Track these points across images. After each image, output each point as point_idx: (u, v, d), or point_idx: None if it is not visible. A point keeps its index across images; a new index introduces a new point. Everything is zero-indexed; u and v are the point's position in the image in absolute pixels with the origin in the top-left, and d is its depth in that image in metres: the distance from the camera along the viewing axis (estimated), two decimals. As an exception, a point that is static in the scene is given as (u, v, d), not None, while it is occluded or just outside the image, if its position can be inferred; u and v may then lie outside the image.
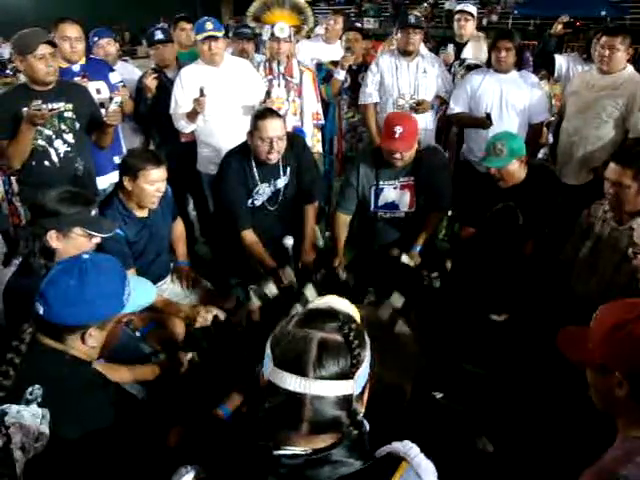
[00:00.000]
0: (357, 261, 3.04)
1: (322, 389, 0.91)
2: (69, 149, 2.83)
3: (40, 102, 2.57)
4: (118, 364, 1.90)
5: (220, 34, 3.22)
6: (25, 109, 2.56)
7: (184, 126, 3.30)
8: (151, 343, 2.36)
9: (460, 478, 1.64)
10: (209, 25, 3.17)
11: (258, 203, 2.91)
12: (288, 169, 2.89)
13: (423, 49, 3.89)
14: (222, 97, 3.24)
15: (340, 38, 4.29)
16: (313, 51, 4.37)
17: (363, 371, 0.97)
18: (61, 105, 2.75)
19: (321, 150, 3.91)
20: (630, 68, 3.16)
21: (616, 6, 15.35)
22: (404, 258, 2.71)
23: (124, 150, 3.37)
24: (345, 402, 0.93)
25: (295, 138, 2.97)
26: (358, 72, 3.97)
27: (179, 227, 2.90)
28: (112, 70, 3.38)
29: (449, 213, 3.60)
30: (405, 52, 3.64)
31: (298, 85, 3.53)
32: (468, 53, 4.12)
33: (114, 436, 1.31)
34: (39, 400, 1.27)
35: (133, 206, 2.44)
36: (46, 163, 2.79)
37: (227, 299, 2.68)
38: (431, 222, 2.97)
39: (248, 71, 3.39)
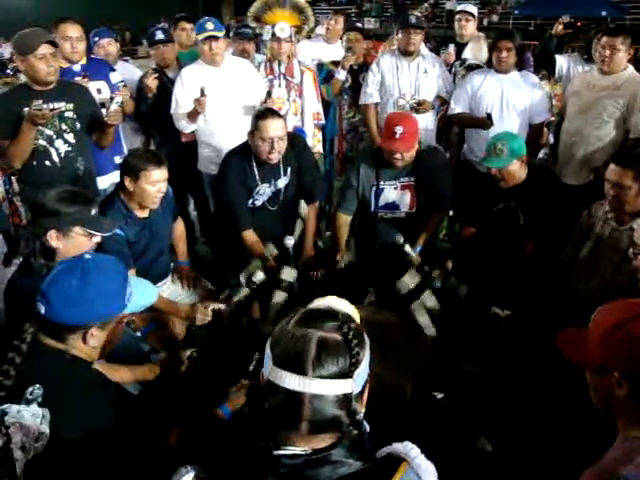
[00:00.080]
0: (357, 261, 3.04)
1: (321, 388, 0.91)
2: (70, 149, 2.83)
3: (41, 102, 2.58)
4: (118, 364, 1.90)
5: (221, 34, 3.22)
6: (26, 109, 2.56)
7: (185, 126, 3.31)
8: (152, 343, 2.36)
9: (460, 478, 1.64)
10: (210, 25, 3.18)
11: (259, 203, 2.91)
12: (289, 169, 2.89)
13: (424, 49, 3.90)
14: (223, 97, 3.24)
15: (341, 38, 4.29)
16: (314, 51, 4.37)
17: (362, 370, 0.97)
18: (62, 105, 2.75)
19: (322, 150, 3.91)
20: (631, 68, 3.17)
21: (616, 6, 15.35)
22: (407, 247, 2.71)
23: (125, 150, 3.38)
24: (344, 401, 0.93)
25: (296, 138, 2.97)
26: (359, 72, 3.97)
27: (180, 227, 2.90)
28: (113, 70, 3.38)
29: (450, 213, 3.60)
30: (406, 52, 3.64)
31: (299, 85, 3.53)
32: (468, 53, 4.12)
33: (114, 436, 1.31)
34: (39, 400, 1.27)
35: (134, 206, 2.44)
36: (47, 163, 2.79)
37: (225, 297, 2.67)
38: (432, 222, 2.97)
39: (249, 71, 3.39)
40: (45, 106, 2.59)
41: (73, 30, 3.14)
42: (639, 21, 13.88)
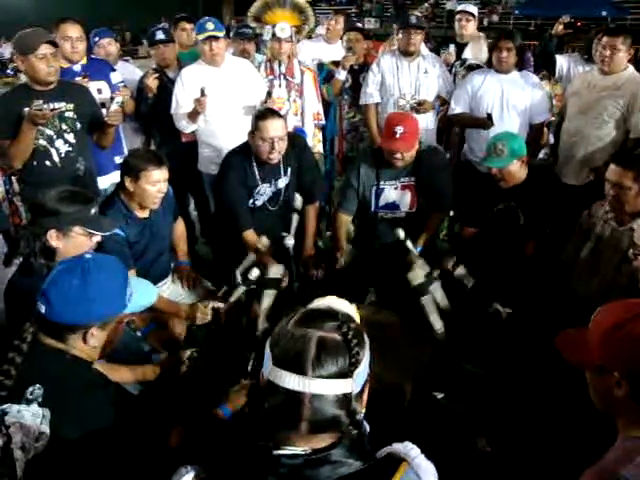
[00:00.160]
0: (357, 261, 3.04)
1: (321, 388, 0.91)
2: (70, 149, 2.83)
3: (41, 102, 2.58)
4: (119, 364, 1.90)
5: (221, 34, 3.22)
6: (26, 109, 2.56)
7: (185, 126, 3.31)
8: (152, 343, 2.36)
9: (460, 478, 1.64)
10: (210, 25, 3.18)
11: (259, 203, 2.91)
12: (289, 169, 2.89)
13: (424, 49, 3.90)
14: (223, 97, 3.24)
15: (341, 38, 4.29)
16: (314, 51, 4.37)
17: (362, 370, 0.97)
18: (62, 105, 2.75)
19: (322, 150, 3.91)
20: (631, 68, 3.17)
21: (617, 6, 15.36)
22: (408, 243, 2.70)
23: (125, 150, 3.38)
24: (344, 401, 0.93)
25: (296, 138, 2.97)
26: (359, 72, 3.97)
27: (180, 227, 2.90)
28: (113, 70, 3.38)
29: (451, 213, 3.59)
30: (406, 52, 3.64)
31: (299, 85, 3.53)
32: (468, 53, 4.13)
33: (114, 436, 1.31)
34: (39, 400, 1.27)
35: (135, 206, 2.44)
36: (47, 163, 2.79)
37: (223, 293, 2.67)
38: (432, 223, 2.97)
39: (249, 71, 3.39)
40: (45, 106, 2.59)
41: (73, 30, 3.14)
42: (639, 21, 13.88)
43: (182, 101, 3.24)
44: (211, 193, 3.46)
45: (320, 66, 4.10)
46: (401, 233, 2.69)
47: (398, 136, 2.69)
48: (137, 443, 1.38)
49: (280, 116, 2.76)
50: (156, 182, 2.35)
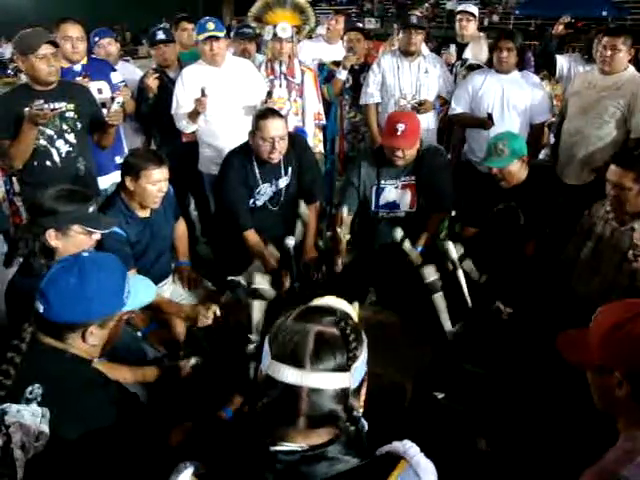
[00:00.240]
0: (357, 261, 3.04)
1: (319, 381, 0.92)
2: (71, 149, 2.83)
3: (42, 102, 2.58)
4: (119, 364, 1.90)
5: (221, 34, 3.22)
6: (27, 109, 2.56)
7: (185, 126, 3.31)
8: (152, 343, 2.36)
9: (460, 478, 1.64)
10: (210, 25, 3.18)
11: (260, 203, 2.91)
12: (289, 169, 2.89)
13: (425, 49, 3.90)
14: (224, 97, 3.24)
15: (341, 38, 4.29)
16: (314, 51, 4.38)
17: (360, 365, 0.97)
18: (63, 105, 2.75)
19: (322, 150, 3.91)
20: (631, 68, 3.16)
21: (617, 6, 15.36)
22: (407, 244, 2.70)
23: (125, 150, 3.37)
24: (342, 396, 0.94)
25: (297, 138, 2.98)
26: (360, 72, 3.97)
27: (181, 227, 2.90)
28: (114, 70, 3.38)
29: (452, 213, 3.59)
30: (407, 52, 3.64)
31: (299, 85, 3.53)
32: (468, 53, 4.12)
33: (115, 435, 1.31)
34: (39, 399, 1.27)
35: (135, 206, 2.44)
36: (48, 163, 2.79)
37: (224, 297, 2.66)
38: (432, 223, 2.97)
39: (250, 71, 3.39)
40: (46, 106, 2.59)
41: (74, 30, 3.14)
42: (639, 21, 13.87)
43: (183, 101, 3.24)
44: (211, 193, 3.46)
45: (321, 66, 4.10)
46: (399, 234, 2.69)
47: (399, 133, 2.69)
48: (137, 442, 1.38)
49: (281, 116, 2.76)
50: (156, 181, 2.35)
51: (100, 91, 3.22)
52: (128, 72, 3.69)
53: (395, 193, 2.94)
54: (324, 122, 3.79)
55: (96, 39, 3.67)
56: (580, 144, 3.23)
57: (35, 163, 2.77)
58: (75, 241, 1.85)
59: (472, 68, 3.84)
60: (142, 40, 13.41)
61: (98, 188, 3.07)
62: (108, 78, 3.29)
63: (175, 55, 3.62)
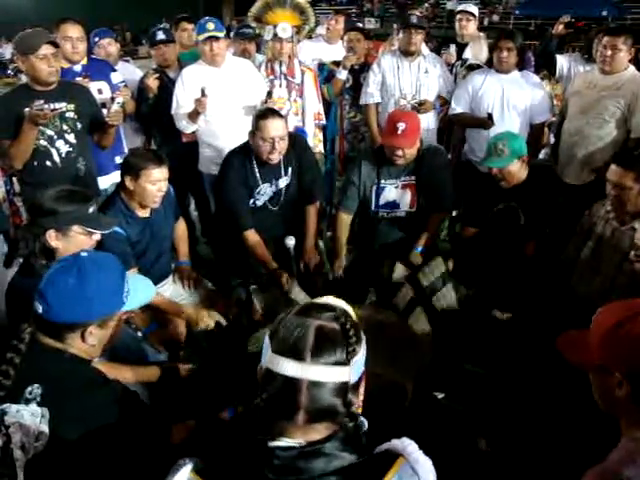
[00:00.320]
0: (358, 261, 3.04)
1: (319, 374, 0.92)
2: (71, 149, 2.83)
3: (42, 102, 2.57)
4: (120, 364, 1.90)
5: (221, 34, 3.22)
6: (27, 109, 2.56)
7: (185, 126, 3.31)
8: (153, 343, 2.36)
9: (460, 478, 1.64)
10: (210, 25, 3.17)
11: (260, 203, 2.91)
12: (289, 169, 2.89)
13: (425, 49, 3.90)
14: (224, 97, 3.24)
15: (342, 38, 4.29)
16: (314, 51, 4.37)
17: (359, 359, 0.98)
18: (63, 105, 2.75)
19: (323, 150, 3.91)
20: (632, 68, 3.16)
21: (617, 6, 15.37)
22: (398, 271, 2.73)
23: (125, 150, 3.37)
24: (341, 390, 0.94)
25: (297, 138, 2.97)
26: (360, 72, 3.97)
27: (181, 227, 2.90)
28: (114, 70, 3.38)
29: (454, 213, 3.59)
30: (407, 52, 3.64)
31: (299, 85, 3.53)
32: (468, 53, 4.12)
33: (115, 434, 1.31)
34: (38, 399, 1.27)
35: (135, 206, 2.44)
36: (48, 163, 2.79)
37: (228, 304, 2.67)
38: (433, 223, 2.97)
39: (250, 71, 3.39)
40: (46, 106, 2.59)
41: (74, 30, 3.14)
42: (639, 21, 13.87)
43: (183, 101, 3.24)
44: (212, 193, 3.46)
45: (321, 66, 4.09)
46: (399, 273, 2.68)
47: (400, 132, 2.69)
48: (138, 440, 1.38)
49: (281, 116, 2.76)
50: (156, 181, 2.35)
51: (100, 91, 3.22)
52: (128, 72, 3.69)
53: (395, 193, 2.94)
54: (324, 122, 3.78)
55: (96, 39, 3.67)
56: (580, 144, 3.23)
57: (35, 163, 2.77)
58: (75, 241, 1.85)
59: (472, 68, 3.84)
60: (142, 40, 13.43)
61: (98, 188, 3.07)
62: (108, 78, 3.29)
63: (175, 55, 3.61)
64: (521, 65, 3.49)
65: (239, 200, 2.82)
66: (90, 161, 2.95)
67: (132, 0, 18.69)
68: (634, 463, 1.01)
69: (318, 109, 3.65)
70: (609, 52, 3.07)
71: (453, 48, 4.28)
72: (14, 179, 3.29)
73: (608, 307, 1.17)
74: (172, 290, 2.73)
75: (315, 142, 3.68)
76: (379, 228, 3.04)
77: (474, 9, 4.34)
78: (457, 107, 3.58)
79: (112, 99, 2.96)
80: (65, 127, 2.80)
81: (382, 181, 2.91)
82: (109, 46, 3.68)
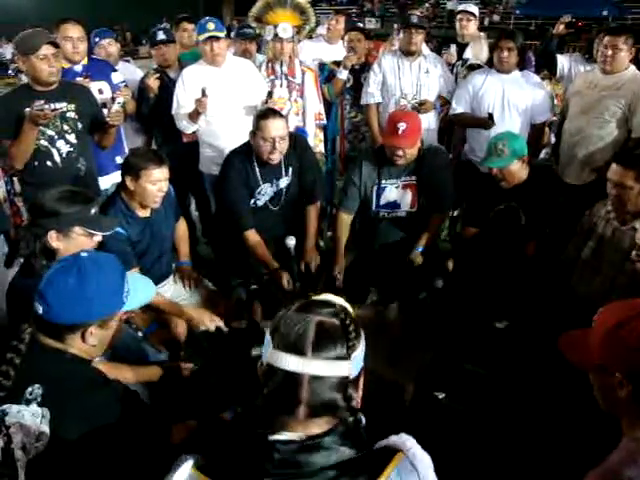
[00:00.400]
0: (358, 261, 3.04)
1: (320, 368, 0.94)
2: (71, 149, 2.83)
3: (42, 102, 2.57)
4: (121, 364, 1.90)
5: (222, 34, 3.22)
6: (27, 109, 2.56)
7: (186, 126, 3.31)
8: (154, 344, 2.36)
9: (460, 478, 1.64)
10: (211, 25, 3.17)
11: (260, 203, 2.91)
12: (290, 169, 2.89)
13: (425, 49, 3.90)
14: (224, 97, 3.24)
15: (342, 38, 4.29)
16: (315, 51, 4.37)
17: (359, 354, 0.99)
18: (63, 105, 2.75)
19: (323, 150, 3.91)
20: (632, 68, 3.16)
21: (618, 6, 15.37)
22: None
23: (126, 150, 3.37)
24: (341, 384, 0.96)
25: (297, 138, 2.97)
26: (361, 72, 3.97)
27: (182, 227, 2.90)
28: (114, 70, 3.39)
29: (455, 213, 3.59)
30: (407, 52, 3.64)
31: (300, 85, 3.53)
32: (469, 53, 4.12)
33: (115, 434, 1.31)
34: (39, 400, 1.27)
35: (136, 206, 2.44)
36: (48, 163, 2.79)
37: (228, 304, 2.67)
38: (433, 223, 2.97)
39: (250, 71, 3.39)
40: (47, 106, 2.59)
41: (74, 30, 3.14)
42: (640, 21, 13.87)
43: (183, 101, 3.24)
44: (212, 193, 3.46)
45: (321, 66, 4.09)
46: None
47: (400, 132, 2.69)
48: (139, 440, 1.38)
49: (281, 116, 2.76)
50: (157, 181, 2.35)
51: (101, 91, 3.22)
52: (129, 72, 3.69)
53: (396, 193, 2.94)
54: (325, 122, 3.78)
55: (96, 39, 3.67)
56: (581, 144, 3.23)
57: (36, 163, 2.77)
58: (76, 242, 1.85)
59: (473, 68, 3.83)
60: (142, 40, 13.44)
61: (99, 188, 3.07)
62: (109, 78, 3.29)
63: (175, 55, 3.61)
64: (522, 65, 3.49)
65: (240, 200, 2.82)
66: (91, 161, 2.95)
67: (132, 0, 18.69)
68: (635, 463, 1.01)
69: (319, 109, 3.65)
70: (610, 52, 3.07)
71: (453, 48, 4.28)
72: (15, 179, 3.29)
73: (609, 307, 1.17)
74: (173, 290, 2.73)
75: (316, 142, 3.68)
76: (380, 228, 3.04)
77: (474, 9, 4.33)
78: (458, 107, 3.58)
79: (113, 99, 2.96)
80: (66, 127, 2.80)
81: (383, 181, 2.91)
82: (109, 46, 3.68)
